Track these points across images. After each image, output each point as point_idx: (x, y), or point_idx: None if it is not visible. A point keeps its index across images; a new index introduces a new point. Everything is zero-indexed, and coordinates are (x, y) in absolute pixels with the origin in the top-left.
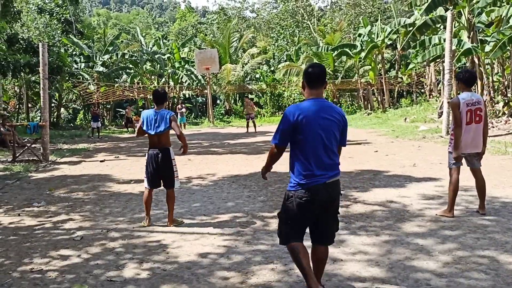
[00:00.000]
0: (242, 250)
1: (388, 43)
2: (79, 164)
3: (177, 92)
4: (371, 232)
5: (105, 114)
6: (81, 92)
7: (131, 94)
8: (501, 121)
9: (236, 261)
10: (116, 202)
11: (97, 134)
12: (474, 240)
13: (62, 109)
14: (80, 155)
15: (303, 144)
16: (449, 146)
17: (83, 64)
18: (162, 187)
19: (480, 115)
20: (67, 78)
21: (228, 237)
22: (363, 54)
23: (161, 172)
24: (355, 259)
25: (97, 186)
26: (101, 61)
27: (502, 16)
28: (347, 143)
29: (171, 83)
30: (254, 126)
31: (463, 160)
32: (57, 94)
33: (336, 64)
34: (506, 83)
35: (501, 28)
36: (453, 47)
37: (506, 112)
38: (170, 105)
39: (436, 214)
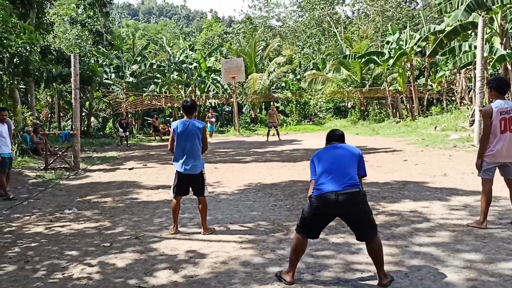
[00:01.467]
0: (268, 259)
1: (417, 50)
2: (108, 172)
3: (204, 101)
4: (400, 243)
5: (134, 123)
6: (110, 101)
7: (158, 103)
8: None
9: (261, 269)
10: (144, 209)
11: (125, 142)
12: (508, 253)
13: (92, 118)
14: (109, 163)
15: (319, 171)
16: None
17: (113, 74)
18: (189, 195)
19: None
20: (97, 88)
21: (254, 245)
22: (391, 62)
23: (190, 181)
24: None
25: (126, 194)
26: (130, 71)
27: None
28: (375, 151)
29: (198, 92)
30: (278, 134)
31: (497, 170)
32: (87, 103)
33: (363, 72)
34: None
35: None
36: (485, 54)
37: None
38: (197, 113)
39: (468, 225)
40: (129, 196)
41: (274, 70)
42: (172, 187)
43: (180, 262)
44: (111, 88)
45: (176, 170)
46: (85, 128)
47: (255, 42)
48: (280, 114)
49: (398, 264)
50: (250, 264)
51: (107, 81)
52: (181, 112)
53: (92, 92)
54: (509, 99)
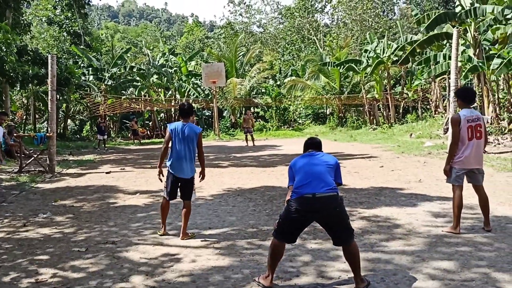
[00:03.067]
0: (247, 264)
1: (394, 59)
2: (85, 176)
3: None
4: (376, 248)
5: (112, 126)
6: (88, 104)
7: (137, 107)
8: (506, 138)
9: (241, 274)
10: (121, 214)
11: (103, 145)
12: (480, 257)
13: (69, 121)
14: (86, 166)
15: (297, 177)
16: (451, 162)
17: (91, 77)
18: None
19: (481, 131)
20: (75, 90)
21: (233, 250)
22: (369, 70)
23: (181, 185)
24: None
25: (102, 198)
26: (109, 73)
27: (508, 34)
28: (352, 157)
29: (178, 96)
30: (252, 140)
31: (465, 177)
32: (64, 106)
33: (342, 79)
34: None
35: (506, 46)
36: (459, 64)
37: None
38: (177, 117)
39: (442, 231)
40: (106, 200)
41: (254, 76)
42: (164, 189)
43: (156, 267)
44: (89, 90)
45: (169, 172)
46: (62, 131)
47: (236, 47)
48: (260, 120)
49: (374, 268)
50: (229, 269)
51: (85, 83)
52: (164, 115)
53: (70, 94)
54: (480, 108)
